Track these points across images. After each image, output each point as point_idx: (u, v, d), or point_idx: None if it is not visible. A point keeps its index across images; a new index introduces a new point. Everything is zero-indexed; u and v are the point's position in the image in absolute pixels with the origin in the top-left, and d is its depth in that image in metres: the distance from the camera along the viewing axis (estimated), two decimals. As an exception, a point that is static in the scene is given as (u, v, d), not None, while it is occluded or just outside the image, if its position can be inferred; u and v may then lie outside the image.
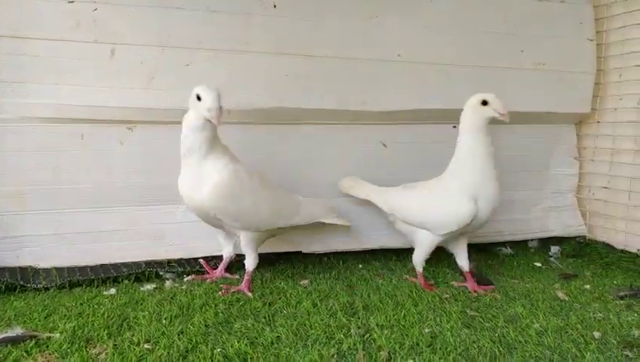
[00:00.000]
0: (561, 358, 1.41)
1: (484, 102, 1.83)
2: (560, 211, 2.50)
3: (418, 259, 1.96)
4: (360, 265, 2.17)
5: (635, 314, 1.74)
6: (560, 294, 1.91)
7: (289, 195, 1.95)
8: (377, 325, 1.55)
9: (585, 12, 2.41)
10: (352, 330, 1.50)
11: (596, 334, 1.57)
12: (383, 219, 2.17)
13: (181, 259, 2.01)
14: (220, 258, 1.99)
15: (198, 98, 1.67)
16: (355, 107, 2.14)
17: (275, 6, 2.03)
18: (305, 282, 1.91)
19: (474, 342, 1.47)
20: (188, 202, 1.77)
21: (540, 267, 2.31)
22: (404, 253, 2.28)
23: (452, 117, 2.28)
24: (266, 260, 2.09)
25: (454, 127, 2.31)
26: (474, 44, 2.26)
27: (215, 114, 1.63)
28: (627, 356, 1.45)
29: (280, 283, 1.90)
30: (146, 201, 1.99)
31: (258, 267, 2.04)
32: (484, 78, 2.26)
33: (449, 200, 1.86)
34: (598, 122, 2.41)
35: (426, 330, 1.52)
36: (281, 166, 2.11)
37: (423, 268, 1.98)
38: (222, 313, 1.60)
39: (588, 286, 2.03)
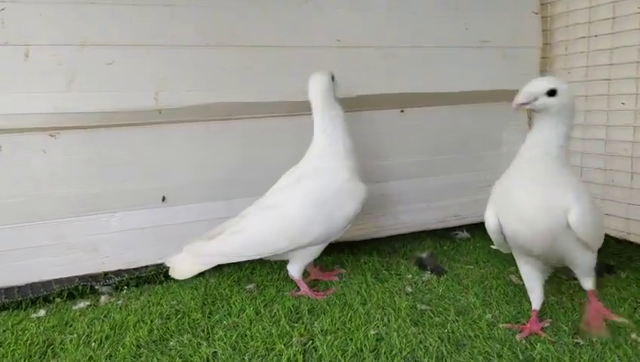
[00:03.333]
0: (511, 352, 1.36)
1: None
2: (514, 190, 2.45)
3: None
4: (312, 261, 2.10)
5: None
6: (514, 278, 1.87)
7: None
8: (321, 330, 1.47)
9: (529, -16, 2.33)
10: (293, 339, 1.42)
11: (547, 322, 1.53)
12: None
13: (119, 269, 1.89)
14: (161, 265, 1.89)
15: None
16: (296, 98, 2.02)
17: (199, -6, 1.90)
18: (250, 286, 1.82)
19: (421, 341, 1.40)
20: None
21: (496, 250, 2.25)
22: (357, 247, 2.22)
23: (398, 102, 2.21)
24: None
25: (402, 111, 2.26)
26: (416, 25, 2.16)
27: None
28: (578, 343, 1.40)
29: (224, 289, 1.80)
30: (77, 212, 1.86)
31: (202, 273, 1.96)
32: (429, 58, 2.18)
33: None
34: (547, 98, 2.35)
35: (372, 332, 1.45)
36: (222, 164, 2.00)
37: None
38: (157, 329, 1.50)
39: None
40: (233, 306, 1.65)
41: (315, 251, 1.76)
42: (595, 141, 2.14)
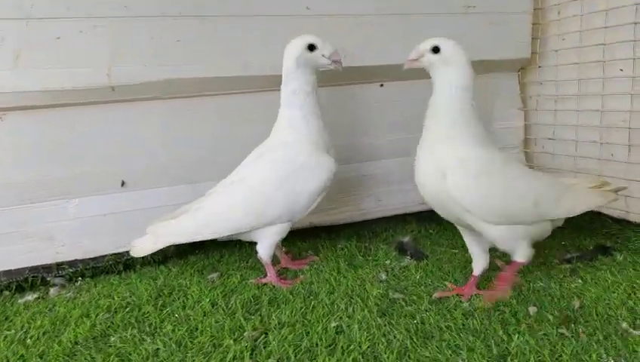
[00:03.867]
0: (484, 345, 1.22)
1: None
2: (507, 168, 2.28)
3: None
4: (283, 248, 1.96)
5: (579, 281, 1.56)
6: (499, 263, 1.71)
7: None
8: (278, 323, 1.34)
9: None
10: (245, 333, 1.29)
11: (532, 309, 1.39)
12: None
13: (75, 260, 1.77)
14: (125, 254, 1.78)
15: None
16: (262, 72, 1.88)
17: (151, -42, 1.74)
18: (213, 276, 1.69)
19: (384, 334, 1.27)
20: None
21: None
22: (337, 232, 2.08)
23: (377, 75, 2.05)
24: (176, 252, 1.88)
25: (381, 85, 2.10)
26: (393, -11, 1.99)
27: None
28: (562, 334, 1.26)
29: (185, 279, 1.68)
30: (29, 199, 1.74)
31: (165, 261, 1.84)
32: (410, 27, 2.01)
33: None
34: (540, 67, 2.17)
35: (332, 325, 1.32)
36: (185, 145, 1.87)
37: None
38: (101, 324, 1.38)
39: (532, 250, 1.83)
40: (189, 297, 1.53)
41: (280, 230, 1.62)
42: (589, 112, 1.96)
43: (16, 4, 1.64)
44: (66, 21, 1.69)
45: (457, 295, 1.48)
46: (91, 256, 1.79)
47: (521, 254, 1.47)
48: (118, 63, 1.72)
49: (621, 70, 1.82)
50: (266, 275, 1.64)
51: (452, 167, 1.36)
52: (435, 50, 1.42)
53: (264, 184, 1.59)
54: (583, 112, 1.98)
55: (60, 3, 1.67)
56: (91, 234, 1.79)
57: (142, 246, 1.65)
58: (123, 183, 1.83)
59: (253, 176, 1.61)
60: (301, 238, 2.01)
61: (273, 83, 1.75)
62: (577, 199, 1.50)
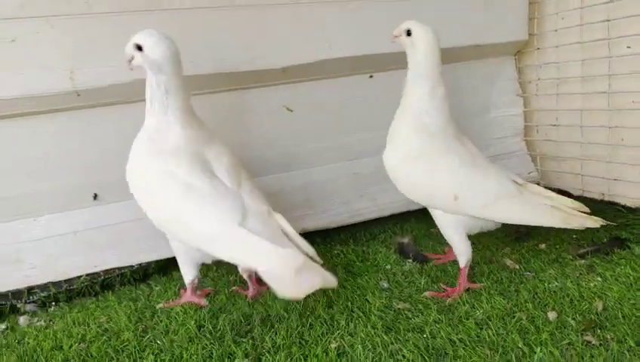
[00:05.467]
0: (504, 360, 1.09)
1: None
2: (507, 158, 2.15)
3: None
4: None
5: (598, 278, 1.43)
6: (509, 262, 1.60)
7: None
8: (273, 346, 1.20)
9: None
10: (236, 361, 1.15)
11: (551, 315, 1.26)
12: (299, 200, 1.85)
13: (47, 283, 1.61)
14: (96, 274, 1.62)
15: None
16: (245, 67, 1.73)
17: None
18: (198, 294, 1.54)
19: (392, 354, 1.13)
20: None
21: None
22: (331, 236, 1.94)
23: (366, 65, 1.91)
24: (157, 269, 1.73)
25: (370, 76, 1.96)
26: (378, -29, 1.85)
27: None
28: (589, 343, 1.13)
29: (168, 298, 1.53)
30: (-8, 219, 1.59)
31: (146, 278, 1.70)
32: (398, 12, 1.86)
33: None
34: (539, 49, 2.04)
35: (333, 346, 1.18)
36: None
37: None
38: (74, 357, 1.23)
39: (543, 246, 1.71)
40: (173, 320, 1.38)
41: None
42: (596, 95, 1.83)
43: (-35, 6, 1.48)
44: (23, 21, 1.53)
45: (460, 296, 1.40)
46: (64, 278, 1.63)
47: (458, 250, 1.48)
48: (81, 66, 1.57)
49: (628, 47, 1.70)
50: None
51: (387, 150, 1.51)
52: (408, 32, 1.47)
53: None
54: (589, 95, 1.85)
55: (12, 1, 1.51)
56: (63, 253, 1.64)
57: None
58: (95, 196, 1.68)
59: None
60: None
61: (255, 78, 1.61)
62: (523, 210, 1.44)
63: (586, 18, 1.82)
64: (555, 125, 2.02)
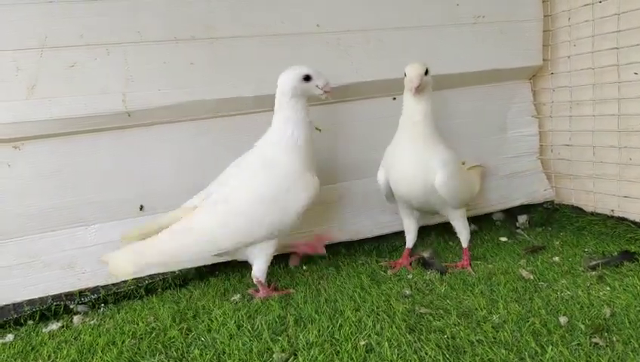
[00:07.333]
0: (518, 358, 1.20)
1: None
2: (523, 177, 2.27)
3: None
4: (304, 266, 1.95)
5: (607, 288, 1.53)
6: (524, 273, 1.70)
7: None
8: (307, 343, 1.32)
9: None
10: (274, 355, 1.28)
11: (562, 319, 1.36)
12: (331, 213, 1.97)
13: (97, 286, 1.76)
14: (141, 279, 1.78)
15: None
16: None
17: (162, -18, 1.76)
18: (236, 297, 1.68)
19: (416, 351, 1.24)
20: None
21: (505, 242, 2.10)
22: (355, 247, 2.06)
23: (389, 88, 2.05)
24: (197, 275, 1.87)
25: (394, 98, 2.09)
26: (401, 3, 2.00)
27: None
28: (596, 344, 1.23)
29: (208, 301, 1.66)
30: (49, 227, 1.75)
31: (186, 283, 1.84)
32: (418, 40, 2.02)
33: None
34: (553, 73, 2.17)
35: (362, 343, 1.29)
36: (202, 167, 1.86)
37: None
38: (128, 351, 1.37)
39: (556, 259, 1.82)
40: (214, 320, 1.51)
41: (269, 246, 1.65)
42: (607, 117, 1.94)
43: (31, 34, 1.67)
44: (80, 48, 1.71)
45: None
46: (113, 282, 1.78)
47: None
48: (132, 89, 1.73)
49: (635, 73, 1.81)
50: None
51: (439, 168, 1.71)
52: (427, 72, 1.68)
53: (252, 204, 1.60)
54: (600, 117, 1.97)
55: (73, 31, 1.69)
56: (112, 259, 1.79)
57: (122, 266, 1.57)
58: (142, 207, 1.83)
59: (239, 195, 1.61)
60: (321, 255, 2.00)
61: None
62: None
63: (597, 45, 1.95)
64: (568, 145, 2.13)
